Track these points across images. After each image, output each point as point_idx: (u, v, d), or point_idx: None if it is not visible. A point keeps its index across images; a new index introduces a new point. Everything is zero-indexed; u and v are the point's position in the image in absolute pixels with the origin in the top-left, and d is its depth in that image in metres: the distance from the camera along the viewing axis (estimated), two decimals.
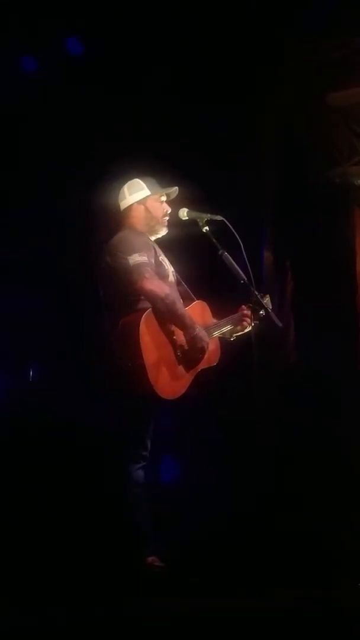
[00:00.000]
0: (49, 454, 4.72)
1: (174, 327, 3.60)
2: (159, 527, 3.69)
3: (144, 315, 3.51)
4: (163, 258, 3.80)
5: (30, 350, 5.21)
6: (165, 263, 3.80)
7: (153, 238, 3.85)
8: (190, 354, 3.61)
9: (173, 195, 3.89)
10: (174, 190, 3.88)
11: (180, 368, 3.61)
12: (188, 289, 3.91)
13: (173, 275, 3.85)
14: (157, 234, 3.86)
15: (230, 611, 3.10)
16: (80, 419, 4.81)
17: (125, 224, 3.83)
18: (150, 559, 3.54)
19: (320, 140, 5.18)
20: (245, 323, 3.81)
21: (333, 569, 3.59)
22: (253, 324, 3.68)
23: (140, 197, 3.81)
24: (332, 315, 4.99)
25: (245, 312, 3.78)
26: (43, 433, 4.84)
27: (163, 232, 3.86)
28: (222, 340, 3.90)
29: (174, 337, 3.60)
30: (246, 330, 3.83)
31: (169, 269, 3.82)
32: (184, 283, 3.89)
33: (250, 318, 3.69)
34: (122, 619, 3.08)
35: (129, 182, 3.85)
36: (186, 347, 3.61)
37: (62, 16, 4.87)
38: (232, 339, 3.91)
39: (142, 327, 3.49)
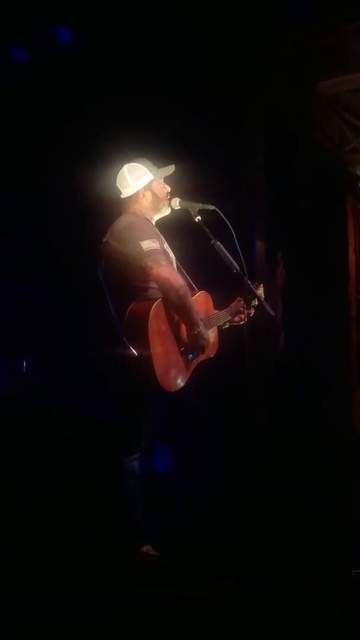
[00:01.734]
0: (43, 444, 4.72)
1: (179, 320, 3.57)
2: (153, 516, 3.70)
3: (154, 305, 3.47)
4: (167, 246, 3.77)
5: (24, 340, 5.21)
6: (170, 251, 3.78)
7: (157, 218, 3.81)
8: (189, 348, 3.59)
9: (169, 173, 3.84)
10: (171, 167, 3.83)
11: (182, 360, 3.59)
12: (188, 278, 3.86)
13: (175, 264, 3.83)
14: (162, 214, 3.81)
15: (224, 599, 3.13)
16: (75, 408, 4.81)
17: (129, 210, 3.76)
18: (144, 548, 3.54)
19: (310, 129, 5.17)
20: (242, 315, 3.80)
21: (326, 556, 3.62)
22: (248, 313, 3.69)
23: (146, 182, 3.75)
24: (324, 305, 5.01)
25: (243, 303, 3.77)
26: (38, 423, 4.84)
27: (167, 211, 3.81)
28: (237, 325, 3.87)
29: (179, 330, 3.58)
30: (242, 322, 3.83)
31: (173, 257, 3.80)
32: (184, 272, 3.87)
33: (245, 310, 3.71)
34: (116, 608, 3.09)
35: (129, 167, 3.77)
36: (187, 342, 3.59)
37: (51, 4, 4.84)
38: (225, 327, 3.89)
39: (152, 317, 3.45)
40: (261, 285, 3.91)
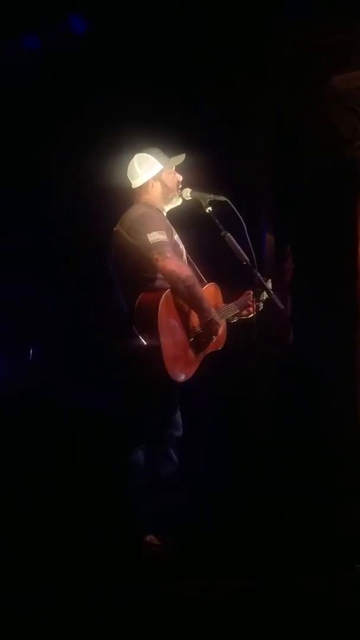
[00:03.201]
0: (50, 434, 4.72)
1: (189, 310, 3.57)
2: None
3: (163, 296, 3.47)
4: (177, 237, 3.77)
5: (28, 333, 5.21)
6: (180, 242, 3.78)
7: (168, 208, 3.82)
8: (202, 338, 3.59)
9: (179, 162, 3.84)
10: (182, 156, 3.83)
11: (191, 351, 3.60)
12: (197, 270, 3.87)
13: (185, 255, 3.83)
14: (173, 204, 3.82)
15: (227, 591, 3.13)
16: (83, 398, 4.81)
17: (139, 200, 3.77)
18: (148, 537, 3.54)
19: (321, 123, 5.16)
20: (251, 309, 3.81)
21: (330, 551, 3.62)
22: (256, 307, 3.69)
23: (155, 172, 3.75)
24: (332, 300, 4.99)
25: (252, 297, 3.79)
26: (44, 413, 4.84)
27: (178, 201, 3.82)
28: (246, 319, 3.89)
29: (189, 320, 3.58)
30: (250, 316, 3.85)
31: (183, 248, 3.80)
32: (193, 263, 3.87)
33: (254, 303, 3.71)
34: (119, 598, 3.09)
35: (138, 158, 3.77)
36: (200, 331, 3.58)
37: None
38: (233, 320, 3.90)
39: (161, 308, 3.45)
40: (270, 278, 3.90)
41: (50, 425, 4.79)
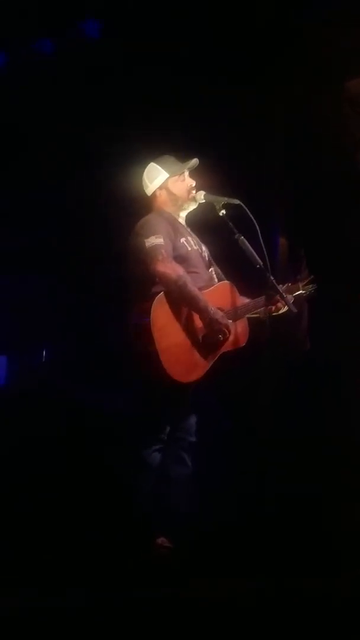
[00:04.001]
0: (61, 435, 4.74)
1: (191, 310, 3.58)
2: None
3: (155, 300, 3.50)
4: (187, 240, 3.79)
5: (44, 331, 5.23)
6: (189, 244, 3.79)
7: (184, 213, 3.87)
8: (209, 337, 3.59)
9: (194, 166, 3.88)
10: (193, 162, 3.87)
11: (200, 351, 3.59)
12: (219, 271, 3.89)
13: (203, 256, 3.84)
14: (186, 210, 3.87)
15: (230, 592, 3.13)
16: (95, 401, 4.83)
17: (152, 208, 3.86)
18: (159, 540, 3.56)
19: (334, 125, 5.15)
20: (279, 304, 3.74)
21: (336, 553, 3.61)
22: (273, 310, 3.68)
23: (160, 182, 3.84)
24: (346, 302, 4.97)
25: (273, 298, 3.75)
26: (56, 414, 4.85)
27: (192, 206, 3.87)
28: (257, 320, 3.84)
29: (192, 320, 3.58)
30: (282, 311, 3.77)
31: (195, 249, 3.81)
32: (214, 264, 3.86)
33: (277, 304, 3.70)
34: (129, 600, 3.11)
35: (147, 168, 3.87)
36: (204, 330, 3.59)
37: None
38: (267, 319, 3.81)
39: (154, 312, 3.48)
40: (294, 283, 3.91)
41: (59, 424, 4.80)
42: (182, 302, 3.56)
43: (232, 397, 4.70)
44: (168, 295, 3.54)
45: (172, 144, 4.24)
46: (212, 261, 3.90)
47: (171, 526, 3.62)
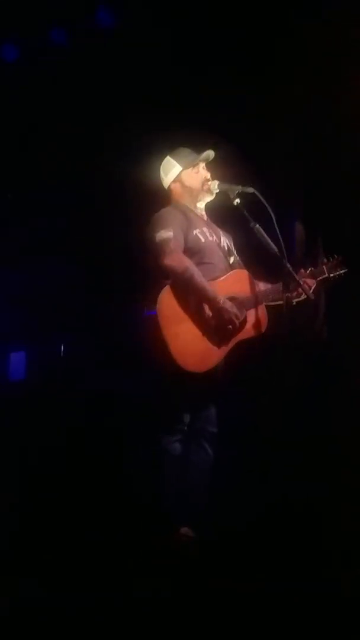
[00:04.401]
0: (83, 427, 4.75)
1: (200, 301, 3.59)
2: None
3: (162, 291, 3.55)
4: (203, 231, 3.79)
5: (61, 325, 5.25)
6: (204, 235, 3.78)
7: (201, 205, 3.89)
8: (220, 326, 3.58)
9: (206, 157, 3.89)
10: (206, 154, 3.87)
11: (213, 340, 3.59)
12: (239, 261, 3.89)
13: (222, 246, 3.84)
14: (202, 201, 3.89)
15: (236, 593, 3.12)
16: (116, 392, 4.83)
17: (170, 201, 3.90)
18: (183, 529, 3.56)
19: (353, 114, 5.10)
20: (300, 289, 3.66)
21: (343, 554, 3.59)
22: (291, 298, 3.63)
23: (174, 175, 3.87)
24: None
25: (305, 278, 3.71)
26: (76, 407, 4.87)
27: (208, 197, 3.88)
28: (276, 309, 3.77)
29: (202, 310, 3.58)
30: (300, 298, 3.69)
31: (211, 240, 3.80)
32: (235, 254, 3.85)
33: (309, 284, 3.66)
34: (150, 590, 3.10)
35: (163, 162, 3.90)
36: (215, 319, 3.58)
37: None
38: (286, 307, 3.68)
39: (161, 303, 3.53)
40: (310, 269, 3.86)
41: (80, 413, 4.82)
42: (190, 293, 3.58)
43: (251, 387, 4.68)
44: (175, 286, 3.57)
45: (188, 136, 4.23)
46: (234, 251, 3.86)
47: (193, 515, 3.62)
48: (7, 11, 4.86)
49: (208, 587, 3.20)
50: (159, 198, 3.96)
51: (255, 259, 3.91)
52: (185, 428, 3.65)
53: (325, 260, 3.74)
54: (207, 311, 3.58)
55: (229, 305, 3.58)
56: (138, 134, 5.00)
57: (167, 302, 3.54)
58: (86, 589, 3.22)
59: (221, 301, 3.56)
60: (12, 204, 5.41)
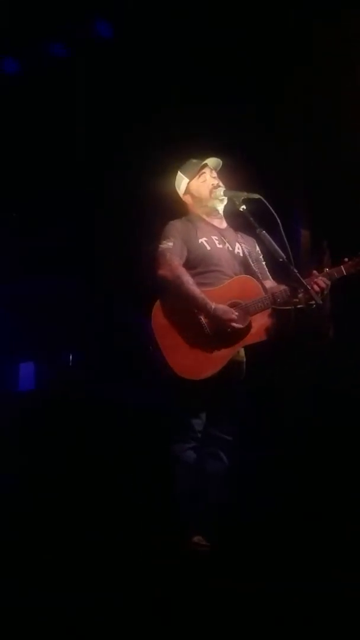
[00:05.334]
0: (93, 435, 4.76)
1: (192, 309, 3.59)
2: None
3: (156, 302, 3.61)
4: (211, 239, 3.80)
5: (70, 336, 5.26)
6: (211, 243, 3.79)
7: (216, 213, 3.89)
8: (218, 332, 3.58)
9: (215, 165, 3.90)
10: (209, 162, 3.88)
11: (212, 346, 3.58)
12: (263, 268, 3.86)
13: (236, 254, 3.83)
14: (215, 208, 3.89)
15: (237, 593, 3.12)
16: (124, 400, 4.84)
17: (187, 212, 3.95)
18: (195, 538, 3.55)
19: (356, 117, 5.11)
20: (308, 295, 3.56)
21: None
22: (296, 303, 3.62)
23: (184, 187, 3.92)
24: None
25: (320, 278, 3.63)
26: (85, 416, 4.87)
27: (219, 204, 3.89)
28: (283, 312, 3.73)
29: (196, 318, 3.59)
30: (311, 302, 3.54)
31: (220, 248, 3.80)
32: (251, 262, 3.82)
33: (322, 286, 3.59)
34: (163, 596, 3.10)
35: (177, 176, 3.93)
36: (211, 326, 3.58)
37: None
38: (293, 311, 3.68)
39: (154, 313, 3.59)
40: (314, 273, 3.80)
41: (88, 426, 4.83)
42: (181, 302, 3.60)
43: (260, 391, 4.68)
44: (167, 296, 3.62)
45: (194, 145, 4.26)
46: (252, 258, 3.84)
47: (207, 522, 3.61)
48: (7, 25, 4.88)
49: (208, 587, 3.20)
50: (175, 211, 4.00)
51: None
52: (198, 435, 3.64)
53: (346, 259, 3.69)
54: (203, 319, 3.59)
55: (220, 311, 3.57)
56: (140, 144, 5.02)
57: (160, 312, 3.60)
58: (86, 589, 3.23)
59: (212, 308, 3.57)
60: (18, 219, 5.43)
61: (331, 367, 4.96)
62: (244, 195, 3.71)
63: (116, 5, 4.94)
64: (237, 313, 3.60)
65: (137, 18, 5.00)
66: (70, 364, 5.18)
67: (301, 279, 3.60)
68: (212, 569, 3.42)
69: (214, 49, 4.97)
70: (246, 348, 3.71)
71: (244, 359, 3.76)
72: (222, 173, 3.91)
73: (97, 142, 5.19)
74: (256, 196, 3.69)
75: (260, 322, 3.66)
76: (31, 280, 5.33)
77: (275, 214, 3.60)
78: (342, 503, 4.19)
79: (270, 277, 3.85)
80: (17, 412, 4.94)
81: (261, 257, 3.90)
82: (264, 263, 3.89)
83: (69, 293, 5.26)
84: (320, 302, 3.60)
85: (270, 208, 3.61)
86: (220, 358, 3.60)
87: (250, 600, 3.02)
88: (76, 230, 5.34)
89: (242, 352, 3.75)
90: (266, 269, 3.87)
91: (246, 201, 3.71)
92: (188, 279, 3.62)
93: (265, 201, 3.64)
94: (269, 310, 3.68)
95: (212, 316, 3.56)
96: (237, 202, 3.72)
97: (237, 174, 4.02)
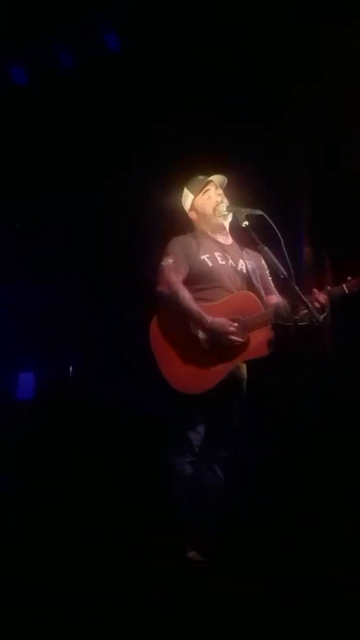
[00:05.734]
0: (93, 435, 4.76)
1: (189, 323, 3.61)
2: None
3: (154, 317, 3.67)
4: (213, 255, 3.81)
5: (69, 340, 5.27)
6: (214, 260, 3.80)
7: (221, 229, 3.90)
8: (216, 346, 3.59)
9: (220, 182, 3.92)
10: (213, 178, 3.90)
11: (210, 361, 3.59)
12: (267, 282, 3.87)
13: (239, 270, 3.84)
14: (218, 224, 3.90)
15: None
16: (124, 410, 4.85)
17: (193, 228, 3.97)
18: (191, 553, 3.54)
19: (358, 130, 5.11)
20: (309, 312, 3.55)
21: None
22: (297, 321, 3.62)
23: (189, 204, 3.95)
24: None
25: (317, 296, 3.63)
26: (85, 424, 4.88)
27: (223, 220, 3.90)
28: (287, 328, 3.72)
29: (193, 333, 3.60)
30: (312, 320, 3.54)
31: (222, 264, 3.80)
32: (254, 279, 3.84)
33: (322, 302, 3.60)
34: (158, 611, 3.09)
35: (183, 193, 3.97)
36: (209, 340, 3.59)
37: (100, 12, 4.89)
38: (294, 327, 3.67)
39: (151, 328, 3.67)
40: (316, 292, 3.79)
41: (92, 424, 4.83)
42: (179, 317, 3.63)
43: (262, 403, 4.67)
44: (164, 312, 3.67)
45: (200, 160, 4.27)
46: (256, 275, 3.85)
47: (204, 532, 3.61)
48: (17, 35, 4.90)
49: (208, 587, 3.20)
50: (180, 225, 4.03)
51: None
52: (196, 449, 3.64)
53: (349, 278, 3.69)
54: (201, 334, 3.60)
55: (217, 324, 3.58)
56: (146, 154, 5.03)
57: (157, 327, 3.66)
58: (86, 589, 3.24)
59: (208, 322, 3.58)
60: (19, 227, 5.45)
61: (331, 369, 4.96)
62: (247, 211, 3.71)
63: (122, 15, 4.95)
64: (235, 324, 3.60)
65: (143, 27, 5.01)
66: (70, 375, 5.17)
67: (302, 296, 3.59)
68: (212, 569, 3.43)
69: (217, 52, 4.97)
70: (247, 362, 3.71)
71: (245, 377, 3.77)
72: (227, 188, 3.92)
73: (101, 146, 5.21)
74: (259, 212, 3.68)
75: (259, 338, 3.66)
76: (31, 284, 5.34)
77: (277, 231, 3.61)
78: (342, 503, 4.18)
79: (275, 292, 3.86)
80: (17, 412, 4.96)
81: (267, 272, 3.90)
82: (269, 278, 3.89)
83: (69, 296, 5.27)
84: (321, 320, 3.60)
85: (273, 224, 3.61)
86: (217, 373, 3.60)
87: (250, 600, 3.02)
88: (76, 232, 5.36)
89: (243, 369, 3.76)
90: (271, 285, 3.88)
91: (249, 217, 3.71)
92: (185, 294, 3.63)
93: (267, 217, 3.65)
94: (269, 327, 3.68)
95: (209, 329, 3.57)
96: (240, 218, 3.72)
97: (241, 190, 4.03)
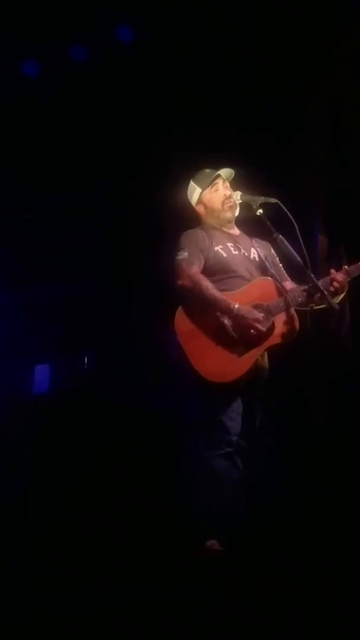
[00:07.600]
0: (117, 439, 4.76)
1: (213, 312, 3.61)
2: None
3: (177, 311, 3.65)
4: (226, 246, 3.82)
5: (85, 336, 5.27)
6: (227, 250, 3.81)
7: (226, 222, 3.91)
8: (243, 334, 3.58)
9: (228, 176, 3.91)
10: (222, 172, 3.90)
11: (237, 349, 3.59)
12: (281, 271, 3.86)
13: (252, 259, 3.84)
14: (227, 219, 3.91)
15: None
16: (152, 406, 4.85)
17: (200, 223, 3.97)
18: (209, 542, 3.53)
19: None
20: (336, 282, 3.60)
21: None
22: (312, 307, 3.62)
23: (197, 197, 3.94)
24: None
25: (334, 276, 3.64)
26: (101, 419, 4.87)
27: (230, 215, 3.90)
28: (303, 315, 3.72)
29: (220, 322, 3.59)
30: (331, 305, 3.56)
31: (236, 254, 3.81)
32: (268, 265, 3.82)
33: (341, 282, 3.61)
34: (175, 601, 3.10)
35: (188, 187, 3.96)
36: (236, 328, 3.59)
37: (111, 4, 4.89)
38: (309, 314, 3.68)
39: (177, 319, 3.63)
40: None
41: (105, 429, 4.82)
42: (204, 307, 3.62)
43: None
44: (188, 303, 3.66)
45: (210, 151, 4.26)
46: (268, 262, 3.84)
47: (222, 528, 3.59)
48: (29, 28, 4.91)
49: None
50: (190, 220, 4.02)
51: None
52: (233, 439, 3.62)
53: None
54: (227, 322, 3.59)
55: (244, 311, 3.58)
56: (157, 149, 5.03)
57: (183, 318, 3.64)
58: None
59: (235, 309, 3.58)
60: (35, 221, 5.46)
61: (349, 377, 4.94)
62: (261, 199, 3.73)
63: (137, 10, 4.94)
64: (261, 313, 3.60)
65: (157, 23, 5.01)
66: (86, 366, 5.18)
67: (317, 283, 3.60)
68: (213, 569, 3.42)
69: (230, 43, 4.95)
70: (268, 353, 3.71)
71: (267, 366, 3.77)
72: (240, 177, 3.91)
73: (112, 147, 5.21)
74: (273, 200, 3.70)
75: (283, 323, 3.67)
76: (48, 282, 5.35)
77: (292, 219, 3.60)
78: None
79: (288, 278, 3.86)
80: (31, 411, 4.96)
81: (277, 259, 3.90)
82: (280, 265, 3.89)
83: (85, 293, 5.27)
84: (337, 306, 3.60)
85: (287, 212, 3.61)
86: (246, 360, 3.61)
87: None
88: (94, 227, 5.36)
89: (265, 357, 3.75)
90: (283, 271, 3.87)
91: (263, 205, 3.71)
92: (207, 284, 3.65)
93: (282, 205, 3.64)
94: (291, 311, 3.68)
95: (236, 316, 3.57)
96: (255, 206, 3.74)
97: (254, 178, 4.02)
